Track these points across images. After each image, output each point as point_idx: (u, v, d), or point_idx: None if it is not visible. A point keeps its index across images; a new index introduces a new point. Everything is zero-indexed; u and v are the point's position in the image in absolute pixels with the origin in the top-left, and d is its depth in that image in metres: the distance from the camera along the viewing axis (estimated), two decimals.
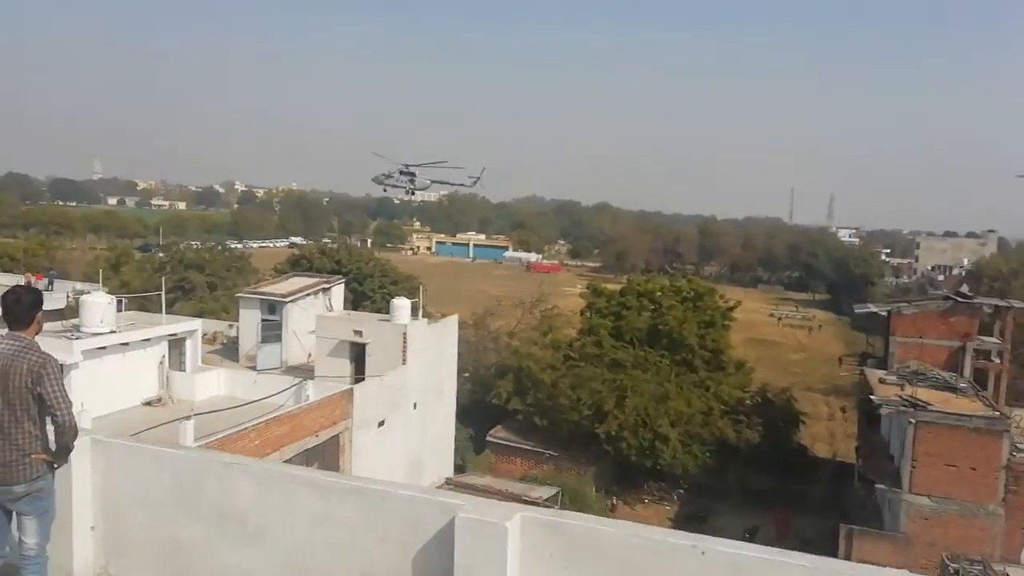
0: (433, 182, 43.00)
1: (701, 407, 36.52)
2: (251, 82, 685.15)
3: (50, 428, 4.76)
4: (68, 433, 4.71)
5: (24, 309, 4.71)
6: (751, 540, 25.71)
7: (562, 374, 36.94)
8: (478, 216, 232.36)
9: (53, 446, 4.77)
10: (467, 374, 41.08)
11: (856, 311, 40.49)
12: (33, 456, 4.68)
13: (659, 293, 40.39)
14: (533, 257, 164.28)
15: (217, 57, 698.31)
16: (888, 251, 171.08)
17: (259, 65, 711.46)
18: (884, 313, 34.43)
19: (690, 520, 34.24)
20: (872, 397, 27.63)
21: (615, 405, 35.21)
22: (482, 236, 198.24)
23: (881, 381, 29.36)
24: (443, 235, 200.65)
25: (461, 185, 48.55)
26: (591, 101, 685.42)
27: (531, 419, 37.53)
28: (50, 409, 4.64)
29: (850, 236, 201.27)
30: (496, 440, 38.30)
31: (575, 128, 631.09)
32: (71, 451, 4.81)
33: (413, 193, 41.87)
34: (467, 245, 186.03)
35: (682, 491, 37.63)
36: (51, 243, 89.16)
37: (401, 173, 39.27)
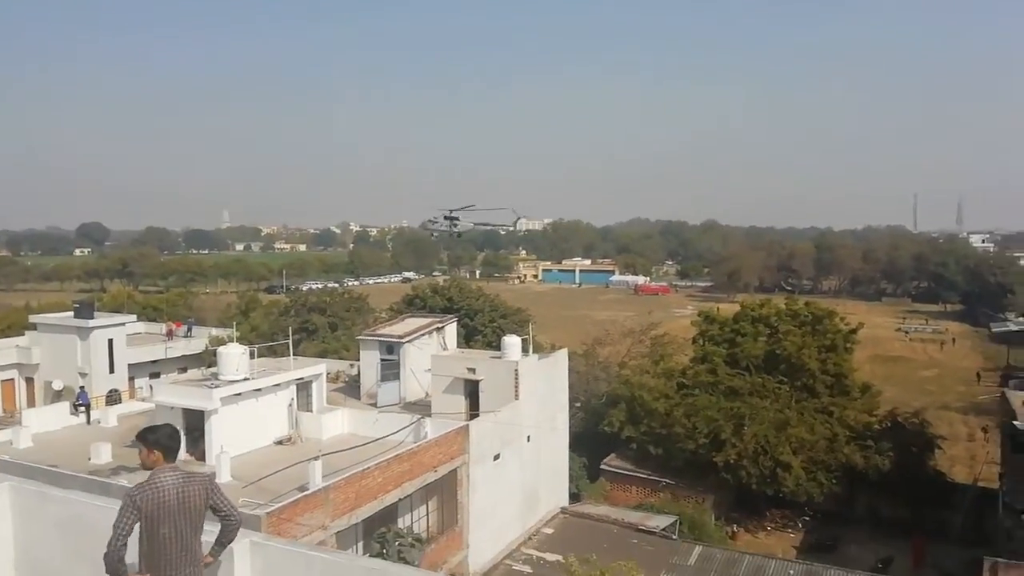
0: (476, 224, 45.56)
1: (825, 433, 35.14)
2: (357, 128, 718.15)
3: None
4: (236, 531, 5.44)
5: (177, 442, 5.51)
6: (884, 571, 24.59)
7: (676, 403, 36.49)
8: (583, 242, 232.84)
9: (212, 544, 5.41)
10: (579, 404, 41.24)
11: (993, 329, 37.74)
12: (204, 560, 5.35)
13: (775, 318, 39.24)
14: (640, 280, 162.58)
15: (323, 108, 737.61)
16: None
17: (365, 113, 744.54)
18: None
19: (817, 549, 32.96)
20: (1016, 423, 25.87)
21: (733, 433, 34.44)
22: (588, 261, 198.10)
23: None
24: (549, 262, 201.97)
25: (503, 225, 51.80)
26: (694, 118, 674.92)
27: (645, 447, 37.22)
28: (225, 516, 5.36)
29: (984, 242, 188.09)
30: (610, 468, 38.16)
31: (677, 147, 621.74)
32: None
33: (459, 235, 44.47)
34: (573, 271, 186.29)
35: (807, 519, 36.29)
36: (189, 291, 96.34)
37: (445, 218, 41.40)
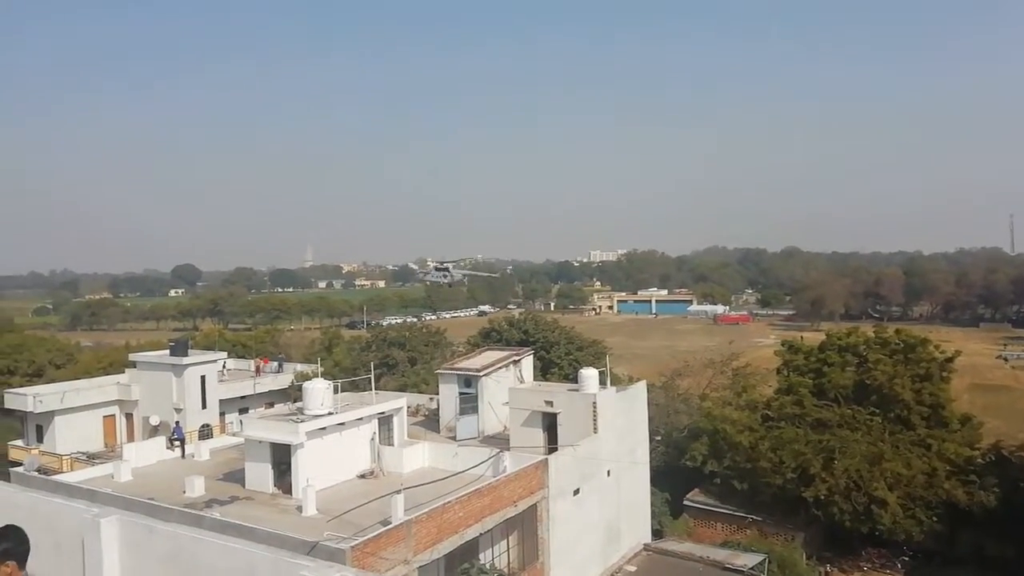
0: (465, 275, 46.02)
1: (923, 467, 33.43)
2: (432, 164, 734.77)
3: None
4: None
5: (27, 545, 4.97)
6: None
7: (761, 436, 35.43)
8: (658, 272, 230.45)
9: None
10: (659, 437, 40.51)
11: None
12: None
13: (863, 346, 37.75)
14: (720, 309, 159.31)
15: (401, 149, 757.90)
16: None
17: (438, 151, 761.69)
18: None
19: None
20: None
21: (822, 468, 33.16)
22: (664, 292, 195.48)
23: None
24: (623, 293, 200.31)
25: (491, 275, 54.11)
26: (768, 141, 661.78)
27: (730, 482, 36.16)
28: None
29: None
30: (694, 504, 37.21)
31: (751, 172, 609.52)
32: None
33: (451, 285, 45.36)
34: (649, 302, 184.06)
35: (907, 559, 34.41)
36: (275, 328, 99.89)
37: (436, 269, 41.98)
